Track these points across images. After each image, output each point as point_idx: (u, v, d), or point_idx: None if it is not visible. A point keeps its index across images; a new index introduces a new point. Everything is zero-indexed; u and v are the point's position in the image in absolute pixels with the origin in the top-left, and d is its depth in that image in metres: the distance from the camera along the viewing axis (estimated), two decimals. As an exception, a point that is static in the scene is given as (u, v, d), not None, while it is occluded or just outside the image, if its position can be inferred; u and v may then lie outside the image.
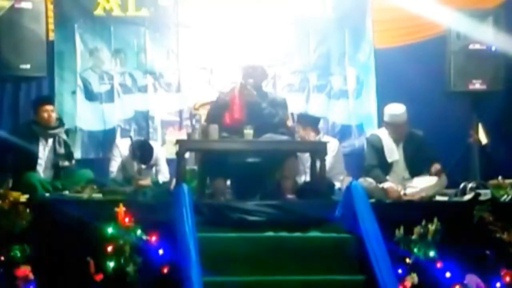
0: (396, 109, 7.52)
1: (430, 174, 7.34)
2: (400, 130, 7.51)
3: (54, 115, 7.58)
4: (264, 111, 7.39)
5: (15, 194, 6.26)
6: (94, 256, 5.91)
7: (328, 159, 7.47)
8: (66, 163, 7.48)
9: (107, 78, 8.88)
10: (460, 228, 6.49)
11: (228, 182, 7.52)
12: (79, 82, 8.80)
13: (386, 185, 7.24)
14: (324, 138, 8.01)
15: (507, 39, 8.33)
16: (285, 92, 8.89)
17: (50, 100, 7.89)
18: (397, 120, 7.50)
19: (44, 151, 7.47)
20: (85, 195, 6.80)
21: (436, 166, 7.33)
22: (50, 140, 7.52)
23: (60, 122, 7.68)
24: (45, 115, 7.51)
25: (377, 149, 7.53)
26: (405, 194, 7.22)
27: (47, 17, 8.37)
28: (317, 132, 8.12)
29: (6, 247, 5.97)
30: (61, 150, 7.51)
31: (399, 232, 6.31)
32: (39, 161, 7.42)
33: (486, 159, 8.49)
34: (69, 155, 7.55)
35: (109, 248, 5.92)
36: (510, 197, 6.95)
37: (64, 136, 7.60)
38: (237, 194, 7.33)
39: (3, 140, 7.72)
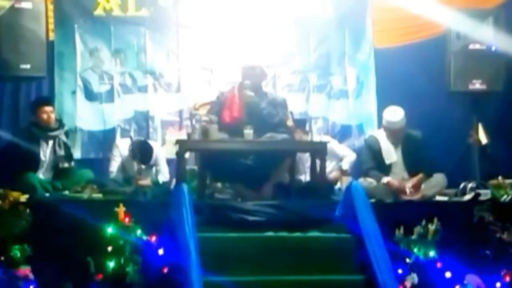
0: (394, 116, 7.49)
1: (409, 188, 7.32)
2: (397, 135, 7.51)
3: (53, 116, 7.58)
4: (263, 112, 7.39)
5: (15, 194, 6.27)
6: (94, 256, 5.91)
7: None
8: (66, 165, 7.47)
9: (107, 78, 8.88)
10: (460, 228, 6.49)
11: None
12: (79, 82, 8.79)
13: (385, 179, 7.26)
14: (315, 137, 8.03)
15: (507, 39, 8.33)
16: (285, 92, 8.89)
17: (49, 101, 7.88)
18: (394, 127, 7.50)
19: (45, 153, 7.46)
20: (85, 195, 6.81)
21: (414, 181, 7.32)
22: (51, 142, 7.51)
23: (60, 123, 7.68)
24: (45, 116, 7.51)
25: (375, 150, 7.54)
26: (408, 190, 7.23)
27: (47, 17, 8.36)
28: (307, 132, 8.15)
29: (6, 247, 5.97)
30: (61, 152, 7.51)
31: (399, 232, 6.31)
32: (41, 163, 7.41)
33: (486, 159, 8.49)
34: (68, 157, 7.55)
35: (109, 248, 5.92)
36: (510, 197, 6.95)
37: (64, 138, 7.60)
38: (237, 194, 7.33)
39: (5, 143, 7.73)
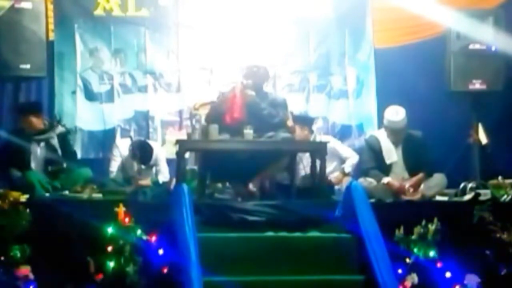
0: (395, 116, 7.48)
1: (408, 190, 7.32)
2: (398, 135, 7.51)
3: (37, 122, 7.50)
4: (263, 112, 7.39)
5: (15, 194, 6.27)
6: (94, 256, 5.91)
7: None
8: (54, 168, 7.42)
9: (107, 78, 8.88)
10: (460, 228, 6.49)
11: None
12: (79, 82, 8.80)
13: (386, 180, 7.26)
14: (318, 137, 8.03)
15: (507, 39, 8.33)
16: (285, 92, 8.90)
17: (30, 109, 7.66)
18: (395, 126, 7.49)
19: (35, 154, 7.44)
20: (85, 195, 6.82)
21: (413, 181, 7.33)
22: (42, 144, 7.48)
23: (51, 126, 7.61)
24: (26, 125, 7.48)
25: (375, 150, 7.54)
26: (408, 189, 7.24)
27: (47, 17, 8.36)
28: (312, 131, 8.15)
29: (6, 247, 5.97)
30: (48, 155, 7.47)
31: (399, 232, 6.31)
32: (32, 163, 7.39)
33: (486, 159, 8.49)
34: (56, 161, 7.47)
35: (109, 248, 5.92)
36: (510, 197, 6.95)
37: (54, 141, 7.55)
38: (237, 193, 7.34)
39: (4, 142, 7.74)
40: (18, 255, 5.96)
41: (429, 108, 8.61)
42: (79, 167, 7.57)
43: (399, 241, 6.30)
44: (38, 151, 7.46)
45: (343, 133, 9.10)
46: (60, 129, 7.69)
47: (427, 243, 6.26)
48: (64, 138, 7.68)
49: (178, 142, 7.24)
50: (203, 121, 7.40)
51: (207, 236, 6.23)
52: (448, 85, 8.49)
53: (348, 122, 9.19)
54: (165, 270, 5.96)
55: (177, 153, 7.16)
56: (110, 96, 8.86)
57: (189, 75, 8.97)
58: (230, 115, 7.38)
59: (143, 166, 7.81)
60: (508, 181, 7.25)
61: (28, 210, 6.14)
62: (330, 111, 9.18)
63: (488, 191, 7.04)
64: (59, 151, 7.55)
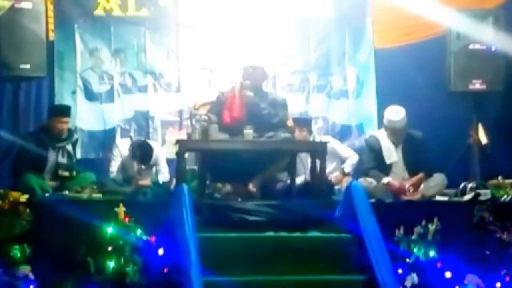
0: (395, 115, 7.49)
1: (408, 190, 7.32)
2: (398, 135, 7.51)
3: (66, 127, 7.58)
4: (263, 112, 7.40)
5: (15, 194, 6.28)
6: (94, 256, 5.92)
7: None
8: (66, 173, 7.43)
9: (107, 78, 8.88)
10: (460, 228, 6.50)
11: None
12: (79, 82, 8.79)
13: (386, 180, 7.26)
14: (317, 137, 8.03)
15: (507, 39, 8.33)
16: (285, 92, 8.89)
17: (68, 111, 7.75)
18: (395, 126, 7.50)
19: (49, 158, 7.44)
20: (85, 195, 6.82)
21: (413, 180, 7.33)
22: (57, 149, 7.49)
23: (70, 133, 7.67)
24: (59, 126, 7.49)
25: (375, 150, 7.54)
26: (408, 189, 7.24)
27: (47, 17, 8.36)
28: (311, 132, 8.15)
29: (6, 247, 5.97)
30: (63, 160, 7.48)
31: (399, 232, 6.32)
32: (46, 167, 7.40)
33: (486, 159, 8.49)
34: (70, 167, 7.49)
35: (109, 248, 5.92)
36: (510, 197, 6.96)
37: (69, 148, 7.58)
38: (237, 193, 7.34)
39: (8, 143, 7.73)
40: (18, 255, 5.97)
41: (429, 108, 8.61)
42: (82, 172, 7.57)
43: (399, 241, 6.31)
44: (53, 156, 7.46)
45: (343, 133, 9.10)
46: (75, 136, 7.78)
47: (427, 243, 6.26)
48: (75, 146, 7.74)
49: (178, 142, 7.24)
50: (203, 120, 7.38)
51: (207, 236, 6.23)
52: (448, 85, 8.49)
53: (348, 122, 9.19)
54: (165, 270, 5.97)
55: (177, 153, 7.16)
56: (110, 96, 8.85)
57: (189, 75, 8.97)
58: (230, 114, 7.39)
59: (143, 166, 7.80)
60: (508, 181, 7.25)
61: (28, 210, 6.14)
62: (330, 111, 9.18)
63: (488, 191, 7.04)
64: (74, 159, 7.60)
